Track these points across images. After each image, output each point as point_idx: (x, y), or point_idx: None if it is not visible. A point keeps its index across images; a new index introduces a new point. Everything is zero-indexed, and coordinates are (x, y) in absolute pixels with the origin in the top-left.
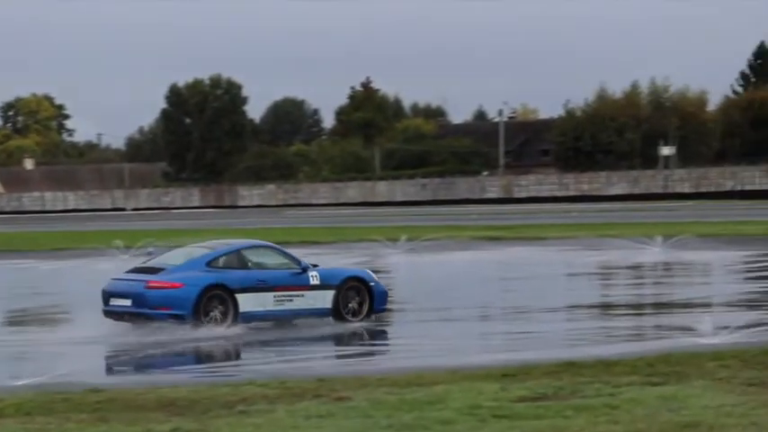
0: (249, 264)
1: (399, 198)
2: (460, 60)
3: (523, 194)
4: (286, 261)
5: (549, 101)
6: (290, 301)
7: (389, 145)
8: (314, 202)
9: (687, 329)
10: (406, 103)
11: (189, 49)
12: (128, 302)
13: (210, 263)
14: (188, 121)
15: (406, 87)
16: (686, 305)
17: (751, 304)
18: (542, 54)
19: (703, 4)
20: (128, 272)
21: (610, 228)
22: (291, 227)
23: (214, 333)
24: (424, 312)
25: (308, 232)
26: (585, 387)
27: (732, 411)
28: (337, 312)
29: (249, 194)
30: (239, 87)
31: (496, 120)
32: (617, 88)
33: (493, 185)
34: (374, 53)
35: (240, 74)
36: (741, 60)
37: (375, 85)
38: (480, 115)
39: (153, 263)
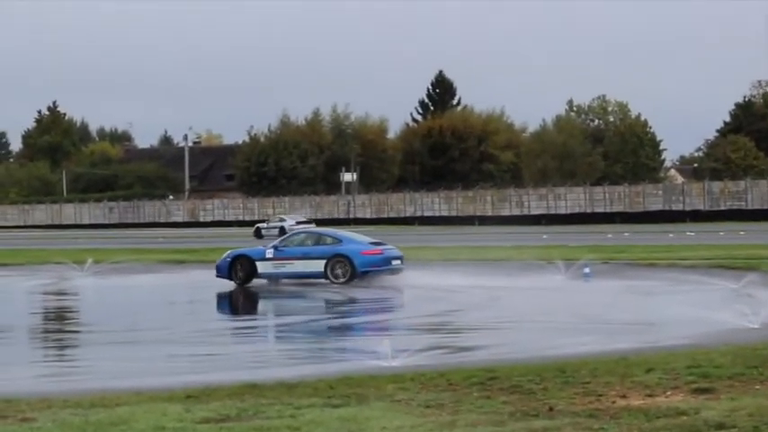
0: None
1: (87, 221)
2: (146, 85)
3: (209, 218)
4: None
5: (234, 127)
6: None
7: (77, 169)
8: (1, 224)
9: (367, 352)
10: (93, 127)
11: None
12: (399, 261)
13: None
14: None
15: (92, 111)
16: (365, 329)
17: (431, 328)
18: (226, 80)
19: (384, 33)
20: (371, 244)
21: None
22: None
23: None
24: (110, 334)
25: None
26: (268, 408)
27: None
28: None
29: None
30: None
31: (182, 145)
32: (300, 115)
33: (178, 209)
34: (61, 76)
35: None
36: (420, 89)
37: (61, 109)
38: (166, 140)
39: (370, 240)
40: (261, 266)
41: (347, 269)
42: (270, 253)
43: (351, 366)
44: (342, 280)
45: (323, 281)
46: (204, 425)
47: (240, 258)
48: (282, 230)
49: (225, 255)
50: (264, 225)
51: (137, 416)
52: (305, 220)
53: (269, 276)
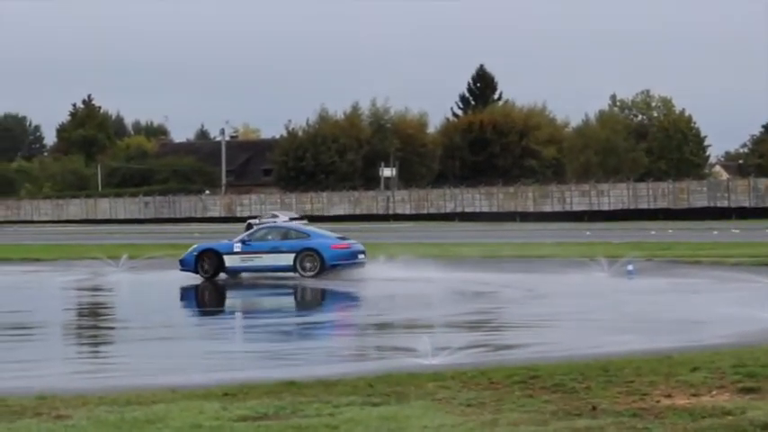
0: None
1: (122, 216)
2: (182, 79)
3: (246, 213)
4: None
5: (271, 121)
6: None
7: (112, 163)
8: (36, 218)
9: (407, 350)
10: (128, 120)
11: None
12: (363, 256)
13: None
14: None
15: (128, 105)
16: (405, 326)
17: (472, 325)
18: (263, 74)
19: (422, 27)
20: (338, 239)
21: None
22: (13, 243)
23: None
24: (145, 330)
25: (30, 249)
26: (306, 407)
27: (451, 431)
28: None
29: None
30: None
31: (218, 139)
32: (338, 109)
33: (215, 204)
34: (96, 69)
35: None
36: (461, 83)
37: (96, 102)
38: (202, 134)
39: (335, 235)
40: (228, 260)
41: (316, 263)
42: (238, 247)
43: (390, 364)
44: (310, 274)
45: (291, 274)
46: (241, 423)
47: (207, 252)
48: None
49: (191, 249)
50: (256, 221)
51: (173, 413)
52: (297, 216)
53: (236, 270)
